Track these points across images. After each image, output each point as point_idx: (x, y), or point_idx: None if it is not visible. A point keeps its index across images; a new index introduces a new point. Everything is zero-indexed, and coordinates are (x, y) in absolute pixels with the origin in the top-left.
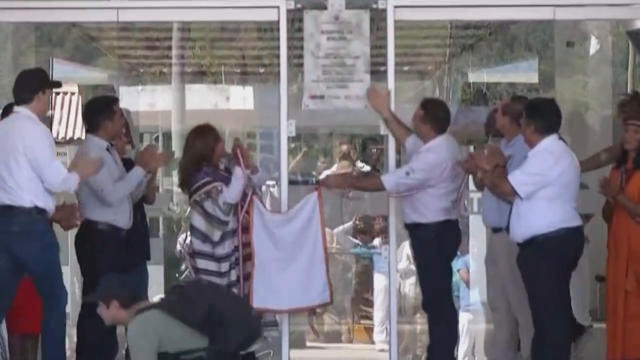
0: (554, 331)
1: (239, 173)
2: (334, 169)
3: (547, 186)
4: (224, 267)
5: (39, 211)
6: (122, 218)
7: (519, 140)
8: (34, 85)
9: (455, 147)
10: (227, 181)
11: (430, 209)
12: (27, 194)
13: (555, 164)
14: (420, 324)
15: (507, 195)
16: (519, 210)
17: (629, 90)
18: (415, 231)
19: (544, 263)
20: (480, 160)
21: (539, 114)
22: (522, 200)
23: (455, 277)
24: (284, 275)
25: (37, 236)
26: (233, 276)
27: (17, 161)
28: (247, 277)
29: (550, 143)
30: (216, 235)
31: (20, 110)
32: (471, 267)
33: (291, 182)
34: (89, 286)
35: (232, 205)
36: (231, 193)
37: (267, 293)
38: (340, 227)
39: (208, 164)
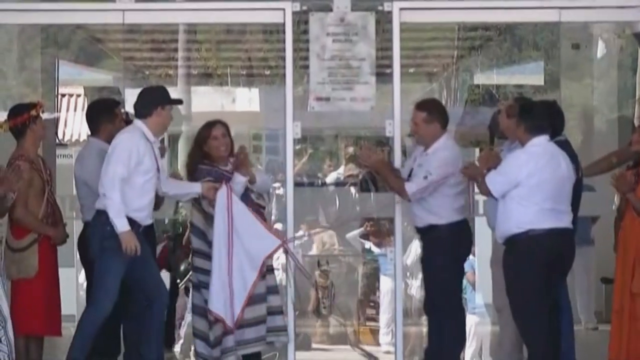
0: (528, 338)
1: (236, 179)
2: (340, 170)
3: (518, 186)
4: None
5: None
6: None
7: None
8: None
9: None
10: (229, 181)
11: (446, 210)
12: None
13: (526, 163)
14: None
15: (487, 195)
16: (499, 211)
17: (637, 95)
18: (429, 233)
19: (515, 265)
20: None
21: (529, 115)
22: (496, 199)
23: (465, 280)
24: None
25: None
26: None
27: None
28: None
29: (533, 143)
30: (211, 234)
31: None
32: (476, 269)
33: (297, 184)
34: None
35: None
36: None
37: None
38: (352, 232)
39: (208, 156)
